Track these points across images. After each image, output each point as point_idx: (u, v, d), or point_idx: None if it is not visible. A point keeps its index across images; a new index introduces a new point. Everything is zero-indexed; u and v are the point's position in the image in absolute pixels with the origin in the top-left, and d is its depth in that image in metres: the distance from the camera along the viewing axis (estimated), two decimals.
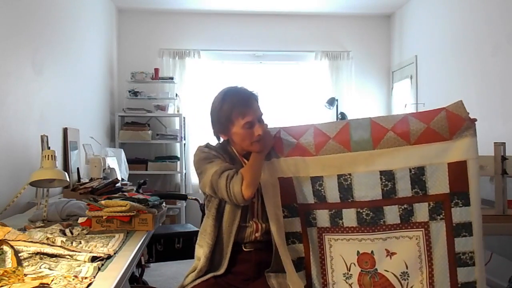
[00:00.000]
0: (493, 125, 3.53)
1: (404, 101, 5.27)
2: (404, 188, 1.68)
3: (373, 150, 1.69)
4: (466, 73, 4.05)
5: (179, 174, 5.38)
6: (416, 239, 1.68)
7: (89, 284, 1.27)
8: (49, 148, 2.80)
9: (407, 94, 5.27)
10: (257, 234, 1.83)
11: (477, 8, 3.91)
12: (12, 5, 2.71)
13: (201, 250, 1.84)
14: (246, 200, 1.67)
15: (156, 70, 5.32)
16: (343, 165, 1.72)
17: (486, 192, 2.58)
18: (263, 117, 1.80)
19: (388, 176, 1.68)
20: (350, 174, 1.71)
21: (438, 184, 1.66)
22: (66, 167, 3.46)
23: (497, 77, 3.60)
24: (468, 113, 1.67)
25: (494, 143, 2.54)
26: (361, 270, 1.73)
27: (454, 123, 1.65)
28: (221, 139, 1.87)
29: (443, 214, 1.65)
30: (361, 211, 1.71)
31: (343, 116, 5.35)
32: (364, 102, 5.69)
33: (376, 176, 1.69)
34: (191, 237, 3.51)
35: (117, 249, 1.68)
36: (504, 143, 2.54)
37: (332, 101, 5.39)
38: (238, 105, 1.74)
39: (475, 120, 1.66)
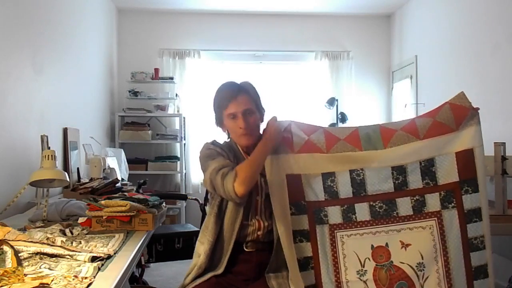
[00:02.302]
0: (493, 125, 3.53)
1: (404, 101, 5.27)
2: (415, 180, 1.72)
3: (383, 149, 1.73)
4: (466, 73, 4.05)
5: (179, 174, 5.37)
6: (430, 228, 1.71)
7: (89, 284, 1.27)
8: (49, 148, 2.80)
9: (407, 94, 5.27)
10: (259, 233, 1.83)
11: (477, 8, 3.91)
12: (12, 5, 2.71)
13: (202, 247, 1.84)
14: (240, 198, 1.66)
15: (156, 70, 5.32)
16: (355, 162, 1.75)
17: (486, 192, 2.58)
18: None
19: (399, 171, 1.73)
20: (362, 169, 1.74)
21: (448, 174, 1.71)
22: (66, 167, 3.46)
23: (497, 77, 3.60)
24: (471, 103, 1.73)
25: (494, 143, 2.54)
26: (376, 265, 1.73)
27: (459, 113, 1.71)
28: (227, 136, 1.90)
29: (455, 202, 1.71)
30: (374, 204, 1.74)
31: (343, 116, 5.35)
32: (364, 102, 5.69)
33: (388, 170, 1.73)
34: (191, 237, 3.50)
35: (117, 249, 1.68)
36: (504, 143, 2.54)
37: (332, 101, 5.39)
38: (223, 97, 1.81)
39: (478, 108, 1.72)
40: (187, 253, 3.44)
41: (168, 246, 3.50)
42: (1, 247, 1.46)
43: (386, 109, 5.80)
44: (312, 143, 1.77)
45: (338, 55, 5.66)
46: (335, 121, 5.43)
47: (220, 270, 1.80)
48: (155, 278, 3.91)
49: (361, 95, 5.70)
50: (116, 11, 5.49)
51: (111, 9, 5.28)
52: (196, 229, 3.61)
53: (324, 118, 5.47)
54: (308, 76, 5.74)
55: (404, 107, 5.18)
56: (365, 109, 5.64)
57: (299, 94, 5.74)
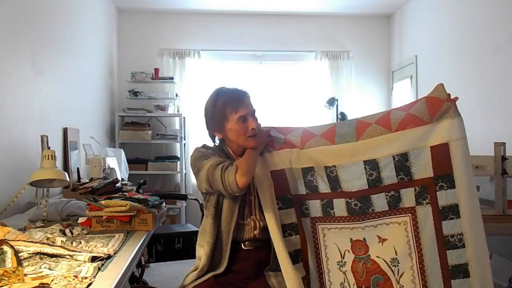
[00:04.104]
0: (493, 125, 3.54)
1: (404, 101, 5.26)
2: (389, 176, 1.67)
3: (355, 141, 1.70)
4: (466, 73, 4.05)
5: (179, 174, 5.38)
6: (404, 224, 1.68)
7: (89, 284, 1.27)
8: (49, 148, 2.80)
9: (407, 94, 5.27)
10: (255, 232, 1.84)
11: (477, 8, 3.91)
12: (12, 5, 2.71)
13: (202, 250, 1.85)
14: (241, 189, 1.67)
15: (156, 70, 5.32)
16: (328, 157, 1.75)
17: (486, 192, 2.58)
18: (256, 115, 1.84)
19: (372, 165, 1.69)
20: (334, 166, 1.74)
21: (423, 169, 1.64)
22: (66, 167, 3.46)
23: (497, 77, 3.60)
24: (448, 94, 1.65)
25: (494, 143, 2.54)
26: (355, 257, 1.75)
27: (433, 105, 1.64)
28: (217, 140, 1.91)
29: (429, 198, 1.64)
30: (349, 201, 1.74)
31: (343, 116, 5.35)
32: (364, 102, 5.69)
33: (361, 166, 1.70)
34: (191, 237, 3.51)
35: (117, 249, 1.68)
36: (504, 143, 2.54)
37: (332, 101, 5.39)
38: (231, 101, 1.79)
39: (455, 99, 1.63)
40: (187, 253, 3.45)
41: (168, 246, 3.50)
42: (1, 247, 1.46)
43: (386, 109, 5.78)
44: (289, 141, 1.81)
45: (338, 55, 5.66)
46: (335, 121, 5.43)
47: (220, 270, 1.81)
48: (155, 278, 3.91)
49: (361, 95, 5.70)
50: (116, 11, 5.49)
51: (111, 9, 5.28)
52: (196, 229, 3.60)
53: (324, 118, 5.47)
54: (308, 76, 5.73)
55: None
56: (365, 109, 5.61)
57: (299, 94, 5.74)
